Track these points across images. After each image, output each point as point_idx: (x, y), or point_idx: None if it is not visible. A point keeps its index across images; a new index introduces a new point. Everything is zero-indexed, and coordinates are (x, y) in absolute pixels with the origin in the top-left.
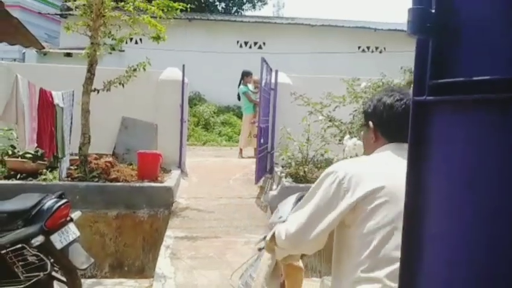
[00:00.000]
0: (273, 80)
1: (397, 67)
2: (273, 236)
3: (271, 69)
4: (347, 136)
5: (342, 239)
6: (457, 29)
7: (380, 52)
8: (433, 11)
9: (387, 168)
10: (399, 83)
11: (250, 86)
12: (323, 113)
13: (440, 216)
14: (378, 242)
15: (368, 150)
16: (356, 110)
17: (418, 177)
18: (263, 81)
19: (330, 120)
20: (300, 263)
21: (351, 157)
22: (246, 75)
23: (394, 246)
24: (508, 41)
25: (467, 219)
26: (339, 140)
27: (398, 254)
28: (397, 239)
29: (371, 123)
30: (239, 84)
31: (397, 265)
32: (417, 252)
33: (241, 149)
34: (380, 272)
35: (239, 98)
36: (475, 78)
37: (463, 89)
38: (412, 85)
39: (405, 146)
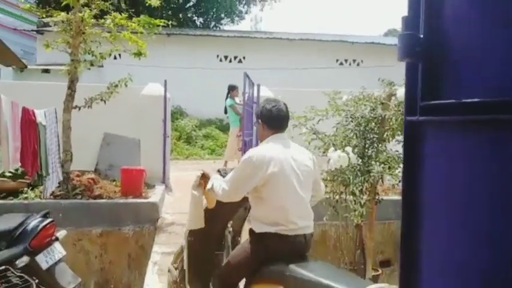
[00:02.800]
0: (255, 94)
1: (374, 80)
2: (212, 186)
3: (253, 84)
4: (332, 148)
5: (255, 196)
6: (446, 52)
7: (358, 65)
8: (421, 36)
9: (275, 153)
10: (379, 95)
11: (237, 100)
12: (307, 126)
13: (433, 229)
14: (274, 198)
15: (261, 139)
16: (338, 123)
17: (412, 192)
18: (246, 95)
19: (314, 133)
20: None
21: (336, 169)
22: (232, 89)
23: (283, 200)
24: (496, 62)
25: (457, 235)
26: (323, 152)
27: (284, 203)
28: (284, 195)
29: (260, 121)
30: (226, 98)
31: (285, 212)
32: (414, 264)
33: (226, 162)
34: (276, 217)
35: (225, 112)
36: (464, 101)
37: (453, 109)
38: (392, 98)
39: (282, 135)
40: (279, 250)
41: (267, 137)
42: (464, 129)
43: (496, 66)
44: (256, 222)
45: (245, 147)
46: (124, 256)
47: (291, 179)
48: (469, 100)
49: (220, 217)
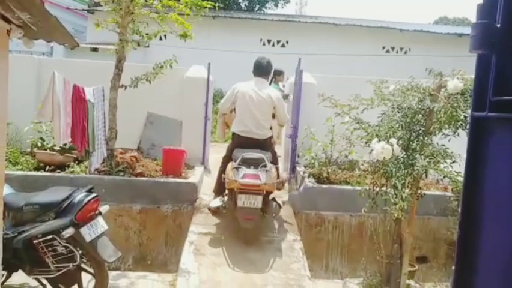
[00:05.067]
0: (297, 80)
1: (421, 69)
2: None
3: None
4: (375, 139)
5: (234, 111)
6: None
7: (405, 53)
8: (498, 25)
9: (245, 87)
10: (428, 86)
11: (281, 85)
12: (350, 115)
13: (494, 230)
14: (238, 113)
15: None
16: (384, 113)
17: (474, 193)
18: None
19: (357, 123)
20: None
21: (377, 160)
22: (278, 74)
23: (241, 115)
24: None
25: None
26: (366, 143)
27: (241, 117)
28: (243, 112)
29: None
30: (270, 82)
31: (242, 122)
32: (472, 263)
33: None
34: (238, 124)
35: None
36: None
37: None
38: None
39: (260, 79)
40: (239, 143)
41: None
42: None
43: None
44: (234, 125)
45: (293, 133)
46: (162, 234)
47: (248, 103)
48: None
49: (229, 153)
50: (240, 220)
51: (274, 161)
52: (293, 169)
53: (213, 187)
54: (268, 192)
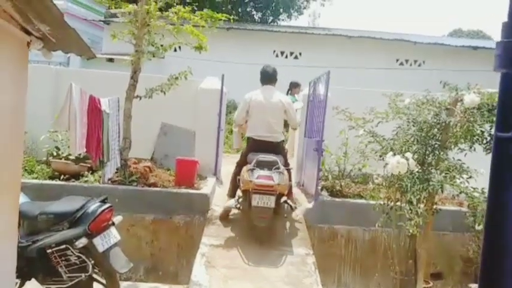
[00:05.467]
0: (314, 92)
1: (436, 82)
2: (235, 121)
3: (315, 81)
4: (390, 153)
5: (248, 118)
6: None
7: (419, 66)
8: None
9: (257, 95)
10: (444, 100)
11: (297, 97)
12: (365, 128)
13: None
14: (252, 119)
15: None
16: (399, 127)
17: (497, 212)
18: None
19: (372, 136)
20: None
21: (392, 174)
22: (294, 86)
23: (255, 121)
24: None
25: None
26: (380, 156)
27: (255, 123)
28: (256, 118)
29: (261, 74)
30: (286, 94)
31: (256, 127)
32: (496, 280)
33: None
34: (252, 129)
35: None
36: None
37: None
38: (458, 104)
39: (268, 86)
40: (254, 147)
41: (261, 87)
42: None
43: None
44: (248, 131)
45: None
46: (174, 244)
47: (261, 110)
48: None
49: (243, 158)
50: (254, 219)
51: (286, 164)
52: (317, 194)
53: (227, 191)
54: (281, 193)
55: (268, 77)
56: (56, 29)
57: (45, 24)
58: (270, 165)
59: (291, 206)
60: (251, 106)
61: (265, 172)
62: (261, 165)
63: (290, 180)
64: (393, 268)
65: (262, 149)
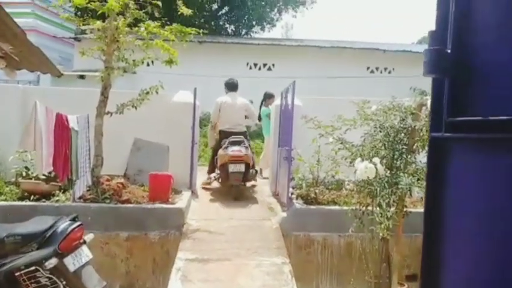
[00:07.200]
0: (285, 102)
1: (406, 88)
2: (211, 123)
3: (286, 92)
4: (359, 159)
5: (219, 116)
6: (473, 68)
7: (389, 73)
8: (449, 51)
9: (225, 99)
10: (410, 105)
11: (271, 108)
12: (334, 136)
13: (455, 246)
14: (222, 116)
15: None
16: (366, 133)
17: (435, 207)
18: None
19: (341, 143)
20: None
21: (362, 180)
22: (268, 97)
23: (225, 117)
24: None
25: (480, 248)
26: (350, 162)
27: (225, 119)
28: (225, 115)
29: (226, 85)
30: (260, 106)
31: (226, 122)
32: (436, 272)
33: (261, 169)
34: (223, 124)
35: (259, 119)
36: (492, 118)
37: (480, 127)
38: (423, 108)
39: (232, 93)
40: (225, 136)
41: (227, 93)
42: (493, 147)
43: None
44: (220, 125)
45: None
46: (149, 261)
47: (230, 110)
48: (498, 117)
49: (217, 146)
50: (231, 181)
51: (249, 146)
52: (290, 201)
53: (207, 169)
54: (247, 163)
55: (233, 86)
56: (19, 48)
57: (8, 43)
58: (238, 143)
59: (256, 171)
60: (222, 107)
61: (236, 147)
62: (232, 143)
63: (253, 154)
64: (368, 272)
65: (232, 136)
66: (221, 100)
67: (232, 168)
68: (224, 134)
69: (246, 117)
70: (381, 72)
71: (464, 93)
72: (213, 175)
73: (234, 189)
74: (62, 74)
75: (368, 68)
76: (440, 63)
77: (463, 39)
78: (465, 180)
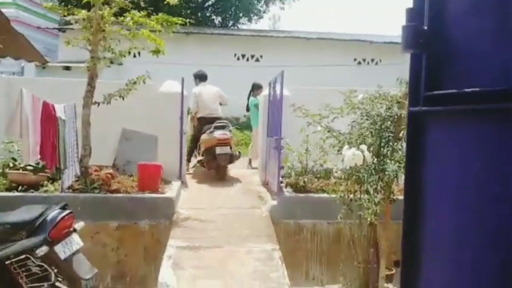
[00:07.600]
0: (273, 92)
1: (393, 79)
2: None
3: (273, 82)
4: (346, 146)
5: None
6: (449, 43)
7: (376, 64)
8: (425, 27)
9: (201, 89)
10: (395, 94)
11: (259, 98)
12: (322, 124)
13: (436, 217)
14: (200, 104)
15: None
16: (354, 121)
17: (414, 181)
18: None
19: (328, 131)
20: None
21: (350, 167)
22: (256, 88)
23: (204, 104)
24: (498, 53)
25: (459, 220)
26: (338, 150)
27: (203, 105)
28: (200, 101)
29: (197, 76)
30: (249, 96)
31: (204, 109)
32: (416, 253)
33: (250, 160)
34: (202, 111)
35: (248, 110)
36: (466, 90)
37: (456, 99)
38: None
39: (205, 83)
40: (204, 122)
41: (198, 84)
42: (468, 118)
43: (499, 57)
44: (199, 113)
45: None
46: (140, 250)
47: (206, 97)
48: (472, 89)
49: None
50: (220, 162)
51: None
52: (280, 190)
53: (186, 157)
54: (231, 146)
55: (204, 77)
56: (3, 35)
57: None
58: (223, 127)
59: (239, 152)
60: (199, 97)
61: (221, 131)
62: (218, 128)
63: (231, 149)
64: (357, 258)
65: (211, 121)
66: (198, 90)
67: (219, 150)
68: (205, 120)
69: (220, 104)
70: (368, 63)
71: (441, 68)
72: (191, 165)
73: (221, 170)
74: (47, 62)
75: (355, 59)
76: (417, 39)
77: (439, 16)
78: (443, 151)
